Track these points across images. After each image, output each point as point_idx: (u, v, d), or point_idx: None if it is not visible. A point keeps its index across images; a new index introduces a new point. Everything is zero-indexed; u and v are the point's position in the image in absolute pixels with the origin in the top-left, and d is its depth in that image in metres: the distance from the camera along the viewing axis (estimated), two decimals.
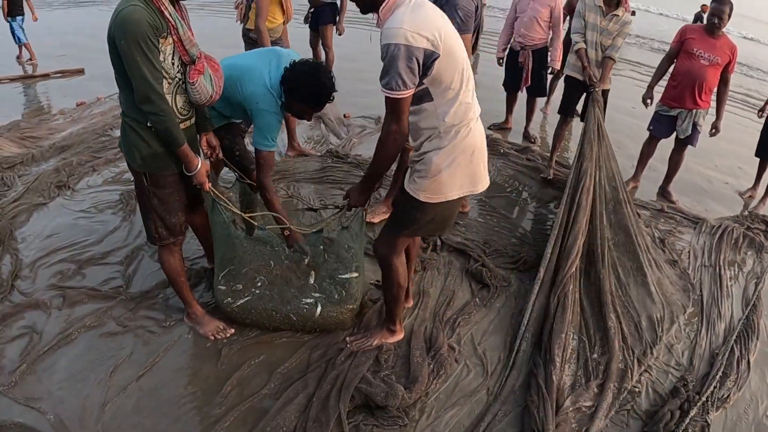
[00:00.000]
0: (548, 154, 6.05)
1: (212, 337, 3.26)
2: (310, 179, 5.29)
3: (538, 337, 3.51)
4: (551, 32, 6.51)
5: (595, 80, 5.04)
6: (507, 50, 6.93)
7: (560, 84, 7.87)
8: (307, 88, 3.17)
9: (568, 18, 7.48)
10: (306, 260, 3.48)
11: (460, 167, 2.62)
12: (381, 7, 2.40)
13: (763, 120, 6.12)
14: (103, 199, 4.69)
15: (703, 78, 5.24)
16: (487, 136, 6.36)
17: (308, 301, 3.30)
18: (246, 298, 3.27)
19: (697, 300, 4.09)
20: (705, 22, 5.24)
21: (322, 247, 3.57)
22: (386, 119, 2.47)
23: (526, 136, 7.14)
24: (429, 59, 2.34)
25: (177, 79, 2.71)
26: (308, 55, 5.46)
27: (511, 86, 7.04)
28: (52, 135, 6.11)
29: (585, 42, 5.23)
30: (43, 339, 3.22)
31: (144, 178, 2.85)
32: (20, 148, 5.69)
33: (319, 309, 3.27)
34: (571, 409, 3.02)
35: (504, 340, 3.51)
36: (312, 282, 3.42)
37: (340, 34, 7.62)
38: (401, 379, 3.05)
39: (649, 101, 5.66)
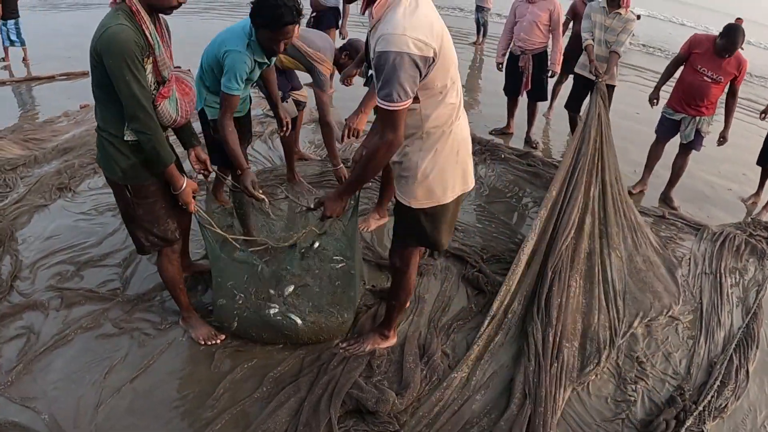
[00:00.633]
0: (550, 160, 6.07)
1: (203, 342, 3.26)
2: (310, 183, 5.29)
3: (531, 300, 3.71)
4: (551, 36, 6.53)
5: (600, 72, 5.45)
6: (507, 55, 6.96)
7: (562, 89, 7.93)
8: (267, 11, 3.10)
9: (571, 23, 7.51)
10: (286, 275, 3.44)
11: (448, 168, 2.57)
12: (376, 3, 2.24)
13: (767, 123, 6.11)
14: (104, 201, 4.70)
15: (705, 93, 5.30)
16: (489, 141, 6.41)
17: (291, 316, 3.25)
18: (236, 318, 3.25)
19: (696, 307, 4.07)
20: (718, 47, 5.15)
21: (301, 259, 3.54)
22: (383, 130, 2.32)
23: (528, 141, 7.13)
24: (428, 67, 2.23)
25: (153, 95, 2.70)
26: None
27: (511, 91, 7.05)
28: (55, 137, 6.14)
29: (593, 40, 5.87)
30: (40, 339, 3.23)
31: (126, 190, 2.84)
32: (23, 150, 5.72)
33: (299, 322, 3.23)
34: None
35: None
36: (288, 294, 3.37)
37: (343, 38, 7.63)
38: (393, 385, 3.05)
39: (655, 101, 5.71)
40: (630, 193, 5.84)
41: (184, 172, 2.98)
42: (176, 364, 3.14)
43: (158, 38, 2.61)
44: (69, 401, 2.85)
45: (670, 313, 3.93)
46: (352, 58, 4.52)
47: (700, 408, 3.11)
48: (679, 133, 5.63)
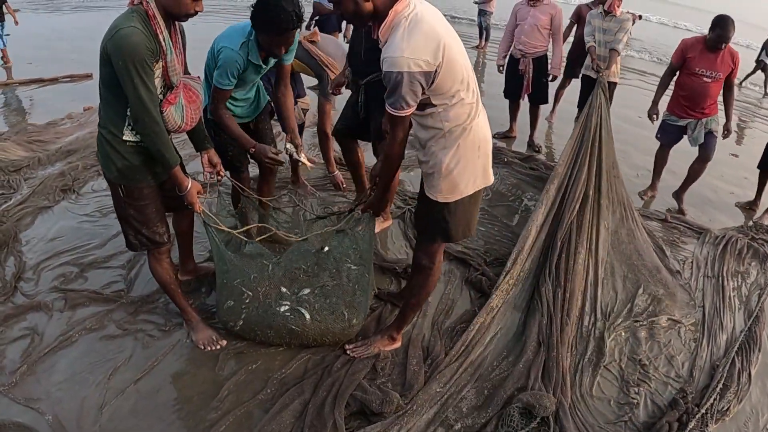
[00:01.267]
0: (553, 164, 6.06)
1: (202, 347, 3.26)
2: (314, 186, 5.30)
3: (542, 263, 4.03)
4: (551, 40, 6.57)
5: (601, 68, 5.90)
6: (507, 58, 7.00)
7: (565, 93, 7.94)
8: (266, 14, 3.08)
9: (575, 26, 7.53)
10: (299, 274, 3.42)
11: (470, 163, 2.71)
12: (381, 26, 2.48)
13: None
14: (107, 203, 4.70)
15: (707, 94, 5.33)
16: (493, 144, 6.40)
17: (301, 310, 3.25)
18: (243, 316, 3.25)
19: (699, 311, 4.07)
20: (710, 41, 5.20)
21: (315, 259, 3.51)
22: (394, 130, 2.60)
23: (531, 144, 7.14)
24: (430, 78, 2.43)
25: (160, 99, 2.72)
26: None
27: (510, 94, 7.09)
28: (58, 139, 6.17)
29: (595, 42, 6.43)
30: (44, 340, 3.25)
31: (119, 189, 2.87)
32: (27, 152, 5.75)
33: (308, 317, 3.22)
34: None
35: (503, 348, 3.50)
36: (305, 294, 3.34)
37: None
38: (397, 387, 3.06)
39: (655, 117, 5.72)
40: (641, 198, 5.93)
41: (187, 174, 2.99)
42: (180, 365, 3.14)
43: (171, 44, 2.63)
44: (73, 402, 2.86)
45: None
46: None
47: (703, 411, 3.10)
48: (687, 138, 5.62)
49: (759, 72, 13.30)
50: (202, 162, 3.26)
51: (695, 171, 5.70)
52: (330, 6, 7.45)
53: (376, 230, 4.46)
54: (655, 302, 4.02)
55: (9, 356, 3.12)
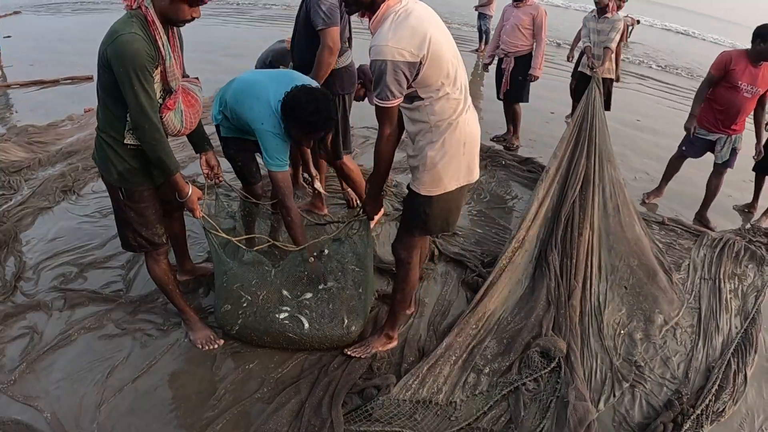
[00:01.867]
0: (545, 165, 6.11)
1: (200, 347, 3.28)
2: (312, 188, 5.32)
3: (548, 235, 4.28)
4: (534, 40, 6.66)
5: (596, 64, 6.51)
6: (494, 58, 7.17)
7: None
8: (300, 115, 3.11)
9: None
10: (302, 277, 3.45)
11: (454, 159, 2.74)
12: (373, 18, 2.53)
13: None
14: (107, 204, 4.69)
15: (744, 108, 5.20)
16: (489, 148, 6.44)
17: (301, 318, 3.27)
18: (239, 321, 3.27)
19: (695, 313, 4.09)
20: (754, 54, 5.04)
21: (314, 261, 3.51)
22: (380, 125, 2.65)
23: (502, 140, 7.33)
24: (414, 68, 2.47)
25: (159, 104, 2.73)
26: None
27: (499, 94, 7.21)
28: (59, 140, 6.20)
29: (590, 42, 6.95)
30: (43, 339, 3.27)
31: (120, 192, 2.89)
32: (27, 153, 5.77)
33: (306, 326, 3.25)
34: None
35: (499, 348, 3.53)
36: (308, 298, 3.38)
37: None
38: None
39: (693, 130, 5.47)
40: (643, 201, 5.91)
41: (187, 180, 3.01)
42: (178, 364, 3.17)
43: (170, 49, 2.65)
44: (71, 400, 2.88)
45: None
46: (368, 88, 4.56)
47: (698, 412, 3.12)
48: (709, 152, 5.53)
49: None
50: (200, 163, 3.28)
51: (715, 187, 5.63)
52: None
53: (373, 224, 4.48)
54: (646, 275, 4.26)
55: (8, 355, 3.15)
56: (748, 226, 5.71)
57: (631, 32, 15.13)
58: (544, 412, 3.02)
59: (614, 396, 3.24)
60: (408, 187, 2.91)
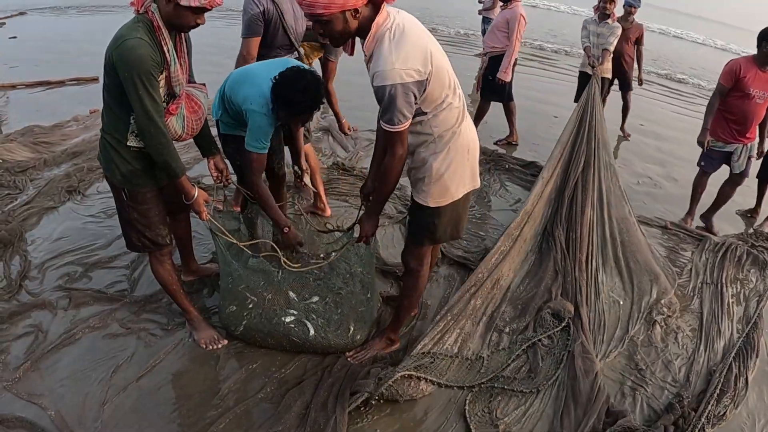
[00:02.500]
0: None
1: (204, 346, 3.29)
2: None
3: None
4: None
5: (595, 64, 6.96)
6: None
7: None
8: (289, 94, 3.11)
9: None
10: (310, 279, 3.47)
11: (459, 167, 2.73)
12: (366, 41, 2.44)
13: None
14: (112, 204, 4.64)
15: (758, 115, 5.18)
16: (493, 152, 6.45)
17: (307, 323, 3.29)
18: (244, 323, 3.29)
19: (697, 317, 4.11)
20: (761, 58, 5.04)
21: (316, 271, 3.54)
22: (390, 149, 2.57)
23: (501, 143, 7.44)
24: (422, 86, 2.44)
25: (163, 108, 2.75)
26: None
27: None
28: (64, 141, 6.22)
29: (590, 44, 7.37)
30: (48, 338, 3.29)
31: (123, 193, 2.91)
32: (33, 153, 5.79)
33: (311, 332, 3.26)
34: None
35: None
36: (315, 302, 3.40)
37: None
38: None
39: (706, 144, 5.42)
40: (665, 227, 5.63)
41: (193, 183, 3.04)
42: (182, 364, 3.19)
43: (176, 55, 2.67)
44: (75, 398, 2.90)
45: None
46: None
47: (699, 415, 3.13)
48: (725, 164, 5.47)
49: None
50: (208, 167, 3.31)
51: (727, 195, 5.61)
52: None
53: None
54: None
55: (13, 353, 3.17)
56: (751, 231, 5.72)
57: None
58: (558, 363, 3.42)
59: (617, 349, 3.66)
60: (412, 199, 2.89)
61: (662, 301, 4.13)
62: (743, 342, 3.86)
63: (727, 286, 4.49)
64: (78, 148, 5.95)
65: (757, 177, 6.03)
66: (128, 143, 2.76)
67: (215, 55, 9.01)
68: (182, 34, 2.75)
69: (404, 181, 5.61)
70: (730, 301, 4.33)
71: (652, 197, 6.21)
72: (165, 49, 2.60)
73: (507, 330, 3.70)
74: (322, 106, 3.36)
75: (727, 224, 5.87)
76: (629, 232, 4.69)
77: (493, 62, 6.84)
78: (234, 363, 3.22)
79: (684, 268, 4.72)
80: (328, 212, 4.86)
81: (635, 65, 8.00)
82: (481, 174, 5.03)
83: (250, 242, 3.46)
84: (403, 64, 2.34)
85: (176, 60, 2.68)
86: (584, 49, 7.51)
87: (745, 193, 6.57)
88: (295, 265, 3.35)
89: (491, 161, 6.44)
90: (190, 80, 2.97)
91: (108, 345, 3.27)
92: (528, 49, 14.45)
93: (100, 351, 3.22)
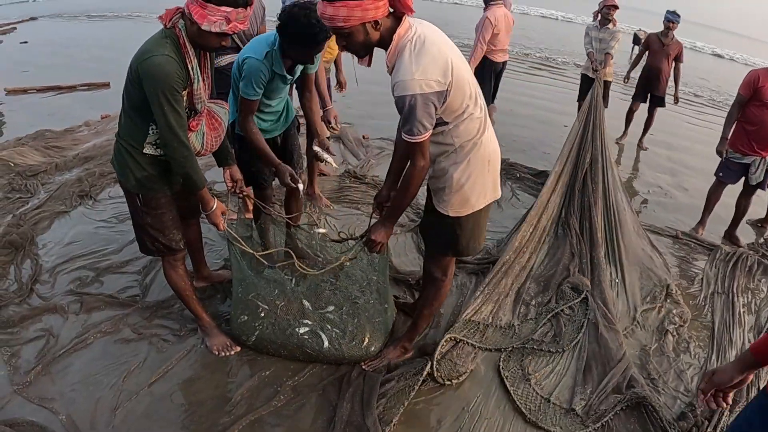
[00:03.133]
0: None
1: (216, 353, 3.29)
2: (328, 198, 5.34)
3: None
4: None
5: (598, 68, 7.14)
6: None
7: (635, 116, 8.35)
8: (296, 27, 3.09)
9: (646, 53, 8.04)
10: (325, 289, 3.46)
11: (480, 177, 2.73)
12: (387, 52, 2.46)
13: None
14: (124, 210, 4.75)
15: None
16: (504, 161, 6.43)
17: (321, 334, 3.27)
18: (256, 333, 3.28)
19: (709, 326, 4.09)
20: None
21: (332, 279, 3.55)
22: (412, 159, 2.57)
23: None
24: (442, 97, 2.43)
25: (186, 122, 2.77)
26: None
27: None
28: (76, 145, 6.25)
29: (593, 48, 7.63)
30: (59, 342, 3.30)
31: (137, 199, 2.93)
32: (44, 157, 5.83)
33: (326, 344, 3.24)
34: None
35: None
36: (330, 311, 3.37)
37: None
38: None
39: (725, 153, 5.39)
40: (676, 236, 5.62)
41: (213, 194, 3.05)
42: (194, 370, 3.18)
43: (200, 72, 2.69)
44: (86, 403, 2.91)
45: None
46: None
47: (714, 425, 3.11)
48: (744, 176, 5.41)
49: None
50: (224, 177, 3.32)
51: (744, 207, 5.57)
52: None
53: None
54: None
55: (24, 357, 3.18)
56: (761, 240, 5.69)
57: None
58: (579, 329, 3.82)
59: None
60: (431, 207, 2.89)
61: (674, 311, 4.12)
62: None
63: (738, 296, 4.47)
64: (89, 152, 5.97)
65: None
66: (144, 151, 2.78)
67: None
68: (207, 52, 2.78)
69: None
70: (742, 310, 4.31)
71: (662, 207, 6.18)
72: (189, 66, 2.63)
73: (533, 303, 4.10)
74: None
75: (738, 234, 5.83)
76: (628, 222, 5.03)
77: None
78: (247, 370, 3.21)
79: (695, 278, 4.70)
80: (324, 201, 5.01)
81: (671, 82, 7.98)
82: None
83: (267, 252, 3.48)
84: (423, 74, 2.34)
85: (200, 77, 2.71)
86: (587, 54, 7.74)
87: (755, 202, 6.55)
88: (311, 270, 3.34)
89: (502, 170, 6.39)
90: (212, 96, 2.98)
91: (120, 350, 3.28)
92: (536, 59, 14.47)
93: (111, 356, 3.22)
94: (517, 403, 3.20)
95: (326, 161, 3.92)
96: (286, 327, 3.26)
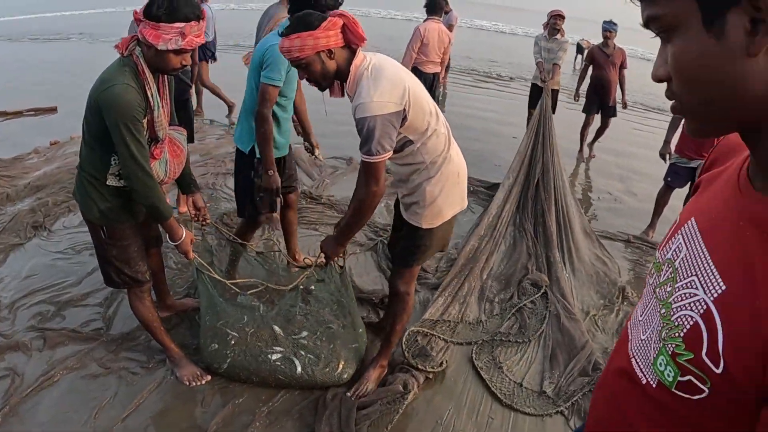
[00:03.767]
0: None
1: (188, 383, 3.27)
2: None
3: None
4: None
5: (547, 78, 7.36)
6: None
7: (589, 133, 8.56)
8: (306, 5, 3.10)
9: (590, 68, 8.26)
10: (296, 314, 3.45)
11: (452, 189, 2.88)
12: (347, 82, 2.64)
13: None
14: (80, 240, 4.69)
15: None
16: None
17: (294, 360, 3.26)
18: (228, 361, 3.27)
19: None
20: None
21: (302, 304, 3.52)
22: (366, 182, 2.67)
23: None
24: (401, 116, 2.58)
25: (148, 152, 2.76)
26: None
27: None
28: (26, 174, 6.10)
29: (542, 58, 7.71)
30: (24, 381, 3.22)
31: (102, 231, 2.90)
32: None
33: (299, 370, 3.24)
34: None
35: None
36: (304, 337, 3.36)
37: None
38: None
39: (668, 156, 5.65)
40: (628, 241, 5.81)
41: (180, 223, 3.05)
42: (166, 402, 3.15)
43: (159, 99, 2.69)
44: None
45: None
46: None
47: None
48: (691, 180, 5.50)
49: None
50: (187, 205, 3.31)
51: None
52: None
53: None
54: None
55: None
56: None
57: None
58: (542, 321, 4.12)
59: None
60: (401, 223, 3.03)
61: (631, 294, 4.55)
62: None
63: None
64: (41, 181, 5.84)
65: None
66: (108, 183, 2.76)
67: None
68: (165, 76, 2.77)
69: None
70: None
71: (613, 212, 6.37)
72: (149, 93, 2.63)
73: (496, 300, 4.41)
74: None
75: None
76: (576, 226, 5.35)
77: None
78: (219, 399, 3.20)
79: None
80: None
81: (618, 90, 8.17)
82: None
83: (237, 281, 3.49)
84: (380, 96, 2.50)
85: (159, 104, 2.70)
86: (537, 64, 7.84)
87: None
88: (282, 287, 3.41)
89: None
90: (171, 122, 2.98)
91: (88, 386, 3.23)
92: (481, 73, 14.77)
93: (80, 392, 3.17)
94: (493, 389, 3.44)
95: (317, 156, 4.29)
96: (258, 354, 3.25)
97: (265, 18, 4.81)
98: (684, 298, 0.91)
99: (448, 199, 2.88)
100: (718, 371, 0.81)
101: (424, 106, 2.67)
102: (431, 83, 7.39)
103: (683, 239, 0.99)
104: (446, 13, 9.29)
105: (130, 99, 2.51)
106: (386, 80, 2.54)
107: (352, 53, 2.63)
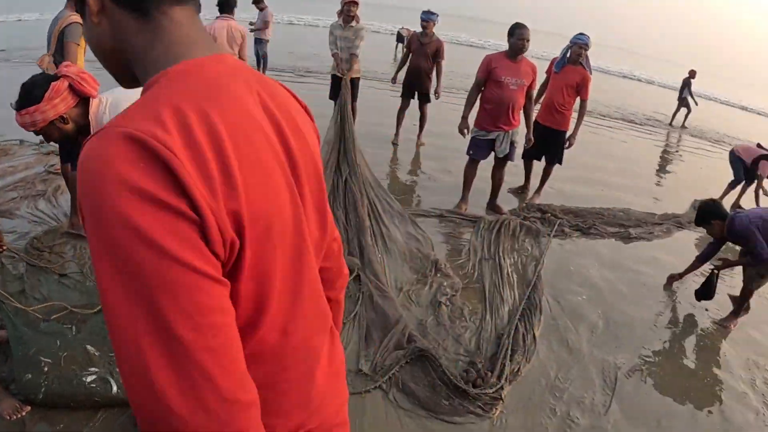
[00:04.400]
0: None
1: (8, 417, 3.07)
2: None
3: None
4: None
5: (344, 71, 7.21)
6: None
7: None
8: None
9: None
10: None
11: None
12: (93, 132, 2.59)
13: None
14: None
15: (513, 102, 5.53)
16: None
17: (110, 380, 3.12)
18: (43, 390, 3.06)
19: (480, 290, 4.34)
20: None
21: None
22: None
23: None
24: None
25: None
26: None
27: None
28: None
29: (338, 49, 7.49)
30: None
31: None
32: None
33: (115, 389, 3.10)
34: None
35: None
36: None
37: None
38: None
39: (466, 131, 5.87)
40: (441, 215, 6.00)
41: None
42: None
43: None
44: None
45: None
46: None
47: (497, 374, 3.39)
48: (495, 150, 5.82)
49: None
50: None
51: (499, 178, 6.08)
52: None
53: None
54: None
55: None
56: (523, 205, 6.18)
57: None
58: (356, 303, 4.05)
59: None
60: None
61: (445, 284, 4.40)
62: (525, 303, 4.16)
63: (504, 258, 4.84)
64: None
65: (522, 157, 6.54)
66: None
67: None
68: None
69: None
70: (509, 270, 4.67)
71: (428, 191, 6.56)
72: None
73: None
74: None
75: (502, 203, 6.26)
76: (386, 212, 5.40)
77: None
78: (43, 427, 3.02)
79: (462, 250, 4.98)
80: None
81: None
82: None
83: (41, 306, 3.36)
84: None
85: None
86: (333, 56, 7.61)
87: (514, 173, 7.10)
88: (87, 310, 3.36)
89: None
90: None
91: None
92: (283, 66, 14.70)
93: None
94: None
95: None
96: (72, 377, 3.10)
97: (53, 25, 4.87)
98: None
99: None
100: None
101: None
102: None
103: None
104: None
105: None
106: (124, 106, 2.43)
107: (86, 104, 2.59)
